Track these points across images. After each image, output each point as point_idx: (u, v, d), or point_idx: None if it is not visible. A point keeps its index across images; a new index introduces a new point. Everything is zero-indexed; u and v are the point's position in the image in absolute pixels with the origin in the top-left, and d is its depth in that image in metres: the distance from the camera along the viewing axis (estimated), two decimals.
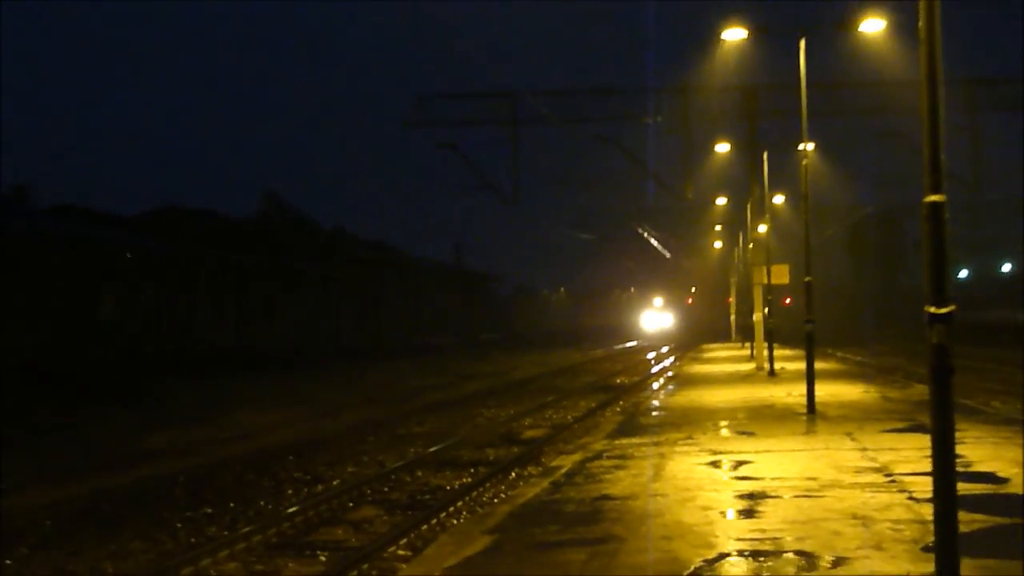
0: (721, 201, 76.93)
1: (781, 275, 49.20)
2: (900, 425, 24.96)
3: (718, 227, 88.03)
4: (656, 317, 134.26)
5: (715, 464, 20.00)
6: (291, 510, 20.05)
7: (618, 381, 56.54)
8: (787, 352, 51.45)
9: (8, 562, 16.73)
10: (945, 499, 10.33)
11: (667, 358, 78.44)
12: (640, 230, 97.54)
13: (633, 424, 29.21)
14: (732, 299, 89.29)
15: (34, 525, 19.56)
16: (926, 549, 11.13)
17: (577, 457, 22.65)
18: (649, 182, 74.50)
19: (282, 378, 52.61)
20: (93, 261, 59.72)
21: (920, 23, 10.37)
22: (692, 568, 11.74)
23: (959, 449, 11.29)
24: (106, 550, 17.25)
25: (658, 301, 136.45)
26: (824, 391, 31.18)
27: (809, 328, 31.51)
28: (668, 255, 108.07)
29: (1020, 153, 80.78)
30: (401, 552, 16.37)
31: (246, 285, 75.46)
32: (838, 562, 11.64)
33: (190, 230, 75.04)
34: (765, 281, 50.37)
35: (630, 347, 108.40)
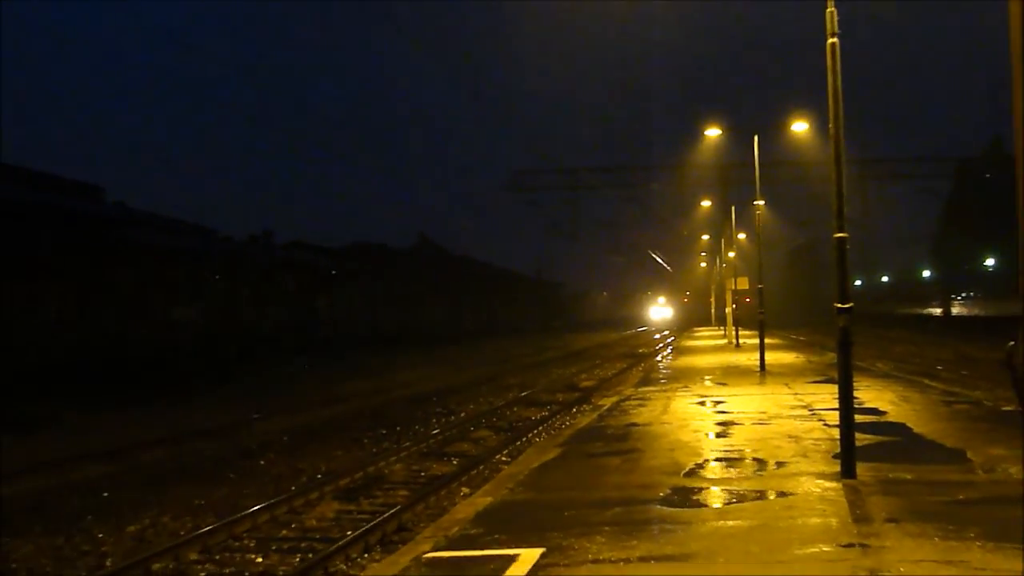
0: (705, 237, 77.08)
1: (743, 283, 49.04)
2: (819, 378, 24.80)
3: (703, 253, 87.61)
4: (661, 311, 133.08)
5: (702, 403, 19.94)
6: (434, 432, 20.16)
7: (640, 351, 56.31)
8: (748, 333, 50.94)
9: (261, 462, 16.99)
10: (847, 425, 10.35)
11: (670, 337, 77.97)
12: (653, 254, 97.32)
13: (649, 378, 29.15)
14: (712, 298, 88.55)
15: (276, 440, 19.83)
16: (835, 456, 11.07)
17: (614, 399, 22.64)
18: (658, 225, 74.83)
19: (427, 350, 52.79)
20: (312, 278, 60.30)
21: (830, 125, 10.41)
22: (687, 468, 11.75)
23: (855, 393, 11.23)
24: (320, 456, 17.44)
25: (662, 300, 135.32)
26: (770, 357, 30.94)
27: (761, 317, 31.53)
28: (670, 270, 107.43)
29: (892, 206, 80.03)
30: (504, 458, 16.45)
31: (407, 291, 75.95)
32: (779, 464, 11.62)
33: (374, 256, 75.66)
34: (733, 287, 50.40)
35: (647, 330, 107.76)
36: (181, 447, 19.18)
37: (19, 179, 36.01)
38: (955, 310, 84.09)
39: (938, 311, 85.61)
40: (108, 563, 10.20)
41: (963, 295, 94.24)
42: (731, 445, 13.64)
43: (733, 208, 51.57)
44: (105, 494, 14.26)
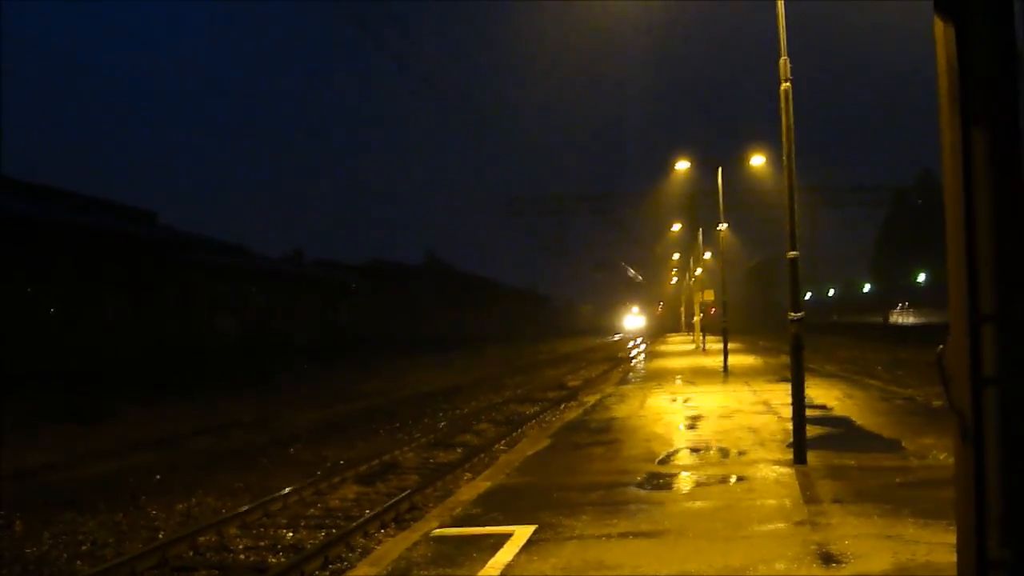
0: (676, 255, 77.30)
1: (709, 296, 49.19)
2: (774, 378, 24.78)
3: (674, 269, 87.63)
4: (635, 320, 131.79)
5: (673, 400, 19.93)
6: (441, 425, 20.15)
7: (619, 355, 56.22)
8: (713, 339, 50.94)
9: (291, 451, 16.94)
10: (799, 418, 10.36)
11: (645, 342, 77.83)
12: (629, 270, 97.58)
13: (627, 378, 29.10)
14: (682, 309, 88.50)
15: (303, 432, 19.77)
16: (789, 445, 11.06)
17: (597, 396, 22.61)
18: (635, 244, 75.31)
19: (434, 355, 52.65)
20: (336, 291, 60.30)
21: (784, 159, 10.44)
22: (661, 456, 11.74)
23: (806, 391, 11.21)
24: (342, 445, 17.41)
25: (635, 309, 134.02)
26: (733, 360, 30.96)
27: (724, 325, 31.64)
28: (641, 279, 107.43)
29: (838, 228, 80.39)
30: (502, 447, 16.40)
31: (417, 303, 75.96)
32: (741, 453, 11.62)
33: (388, 272, 75.71)
34: (701, 299, 50.55)
35: (624, 337, 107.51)
36: (222, 437, 19.16)
37: (88, 206, 36.12)
38: (898, 319, 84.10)
39: (879, 319, 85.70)
40: (160, 536, 10.18)
41: (903, 305, 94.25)
42: (699, 436, 13.63)
43: (700, 231, 51.84)
44: (157, 477, 14.25)
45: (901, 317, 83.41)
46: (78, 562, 9.35)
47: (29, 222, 29.39)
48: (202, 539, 9.83)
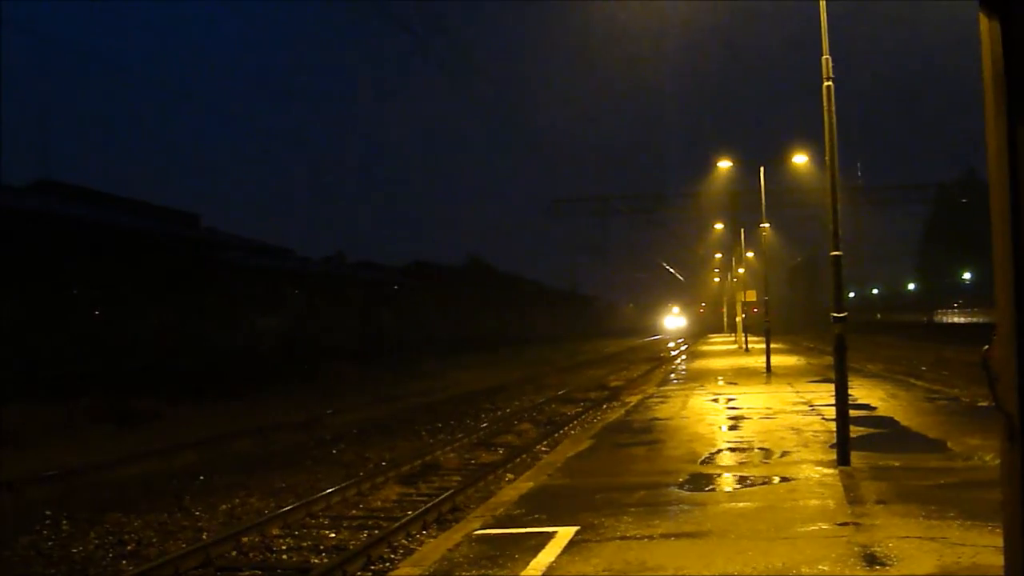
0: (718, 255, 76.84)
1: (752, 296, 49.04)
2: (817, 378, 24.56)
3: (716, 269, 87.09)
4: (675, 320, 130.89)
5: (715, 400, 19.84)
6: (483, 425, 20.18)
7: (661, 355, 56.02)
8: (755, 339, 50.55)
9: (334, 451, 17.07)
10: (842, 418, 10.28)
11: (687, 343, 77.39)
12: (671, 270, 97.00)
13: (669, 379, 29.01)
14: (724, 309, 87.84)
15: (346, 432, 19.89)
16: (832, 446, 10.98)
17: (639, 396, 22.56)
18: (677, 244, 75.05)
19: (476, 356, 52.69)
20: (377, 292, 60.56)
21: (826, 157, 10.37)
22: (703, 456, 11.70)
23: (850, 391, 11.12)
24: (384, 446, 17.50)
25: (676, 310, 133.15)
26: (776, 360, 30.74)
27: (767, 325, 31.42)
28: (682, 279, 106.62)
29: (881, 227, 79.65)
30: (543, 448, 16.41)
31: (460, 305, 76.04)
32: (784, 454, 11.54)
33: (430, 273, 75.89)
34: (743, 299, 50.29)
35: (664, 337, 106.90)
36: (265, 438, 19.33)
37: (132, 209, 36.62)
38: (948, 319, 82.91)
39: (923, 318, 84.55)
40: (204, 536, 10.30)
41: (954, 305, 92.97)
42: (741, 437, 13.56)
43: (742, 231, 51.49)
44: (201, 478, 14.41)
45: (947, 316, 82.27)
46: (123, 562, 9.49)
47: (74, 224, 29.86)
48: (245, 539, 9.94)
